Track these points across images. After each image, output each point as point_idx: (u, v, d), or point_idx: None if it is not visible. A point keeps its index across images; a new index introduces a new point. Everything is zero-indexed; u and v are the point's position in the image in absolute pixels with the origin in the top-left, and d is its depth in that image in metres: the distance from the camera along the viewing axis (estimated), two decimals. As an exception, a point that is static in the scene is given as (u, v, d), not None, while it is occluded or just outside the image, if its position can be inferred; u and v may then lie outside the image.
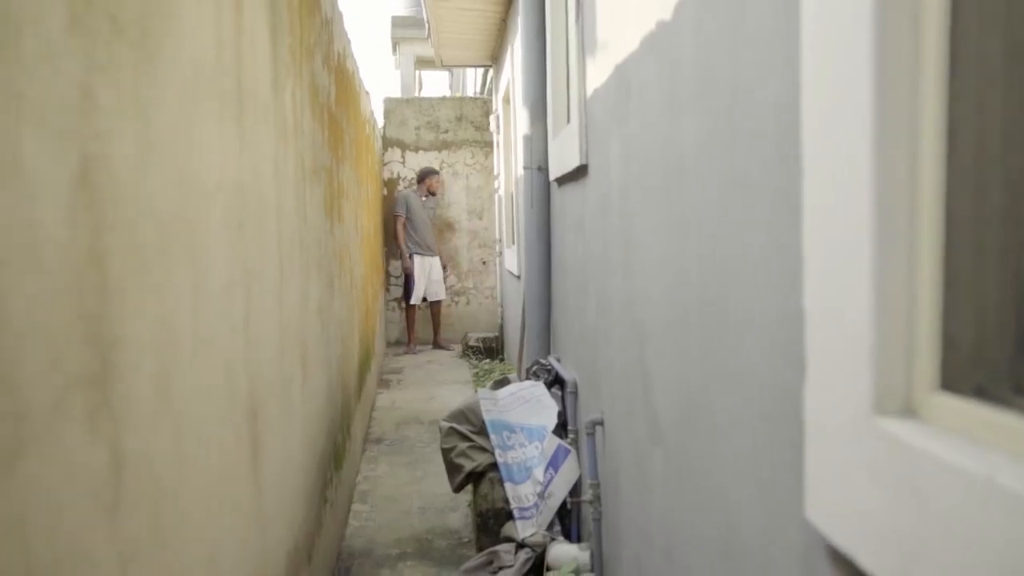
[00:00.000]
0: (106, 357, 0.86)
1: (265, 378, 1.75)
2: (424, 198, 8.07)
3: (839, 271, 0.89)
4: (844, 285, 0.87)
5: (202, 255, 1.25)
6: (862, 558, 0.86)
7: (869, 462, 0.83)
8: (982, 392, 0.79)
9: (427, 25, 6.68)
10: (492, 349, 7.90)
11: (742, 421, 1.27)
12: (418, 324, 8.39)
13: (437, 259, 8.18)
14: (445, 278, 8.43)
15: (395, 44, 14.71)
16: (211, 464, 1.28)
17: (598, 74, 2.41)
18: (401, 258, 8.06)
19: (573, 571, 2.77)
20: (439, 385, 6.58)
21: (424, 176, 8.13)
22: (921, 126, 0.80)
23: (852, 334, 0.86)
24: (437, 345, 8.38)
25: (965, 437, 0.76)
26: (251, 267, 1.62)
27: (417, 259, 7.97)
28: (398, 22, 14.52)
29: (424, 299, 8.11)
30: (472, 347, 7.93)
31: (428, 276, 8.05)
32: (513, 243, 6.29)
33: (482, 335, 8.10)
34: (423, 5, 6.20)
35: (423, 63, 14.26)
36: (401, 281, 8.36)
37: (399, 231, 7.95)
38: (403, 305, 8.39)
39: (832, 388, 0.91)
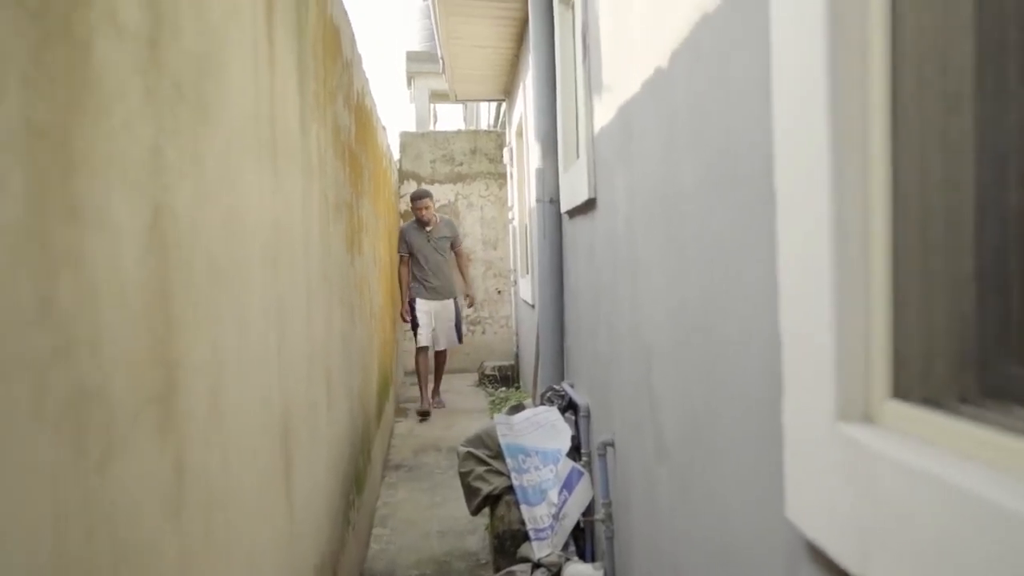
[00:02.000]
0: (170, 378, 0.99)
1: (296, 402, 1.88)
2: (428, 229, 6.85)
3: (807, 300, 1.01)
4: (811, 312, 1.00)
5: (244, 288, 1.39)
6: (831, 549, 0.97)
7: (834, 463, 0.96)
8: (930, 401, 0.91)
9: (441, 61, 6.88)
10: (508, 377, 8.02)
11: (737, 436, 1.38)
12: (428, 373, 7.07)
13: (451, 302, 6.97)
14: (464, 318, 7.25)
15: (410, 78, 15.00)
16: (252, 479, 1.41)
17: (604, 113, 2.55)
18: (401, 300, 6.94)
19: (587, 589, 2.86)
20: (456, 413, 6.69)
21: (413, 200, 6.88)
22: (871, 176, 0.93)
23: (818, 353, 0.99)
24: (432, 396, 7.02)
25: (914, 439, 0.88)
26: (283, 299, 1.76)
27: (421, 304, 6.81)
28: (413, 57, 14.83)
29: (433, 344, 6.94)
30: (488, 375, 8.05)
31: (435, 320, 6.87)
32: (527, 273, 6.42)
33: (498, 363, 8.22)
34: (438, 43, 6.40)
35: (438, 96, 14.54)
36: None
37: (401, 273, 6.89)
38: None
39: (803, 400, 1.03)
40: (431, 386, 7.05)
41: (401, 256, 6.90)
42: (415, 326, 6.87)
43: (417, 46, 15.41)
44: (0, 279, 0.61)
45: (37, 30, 0.68)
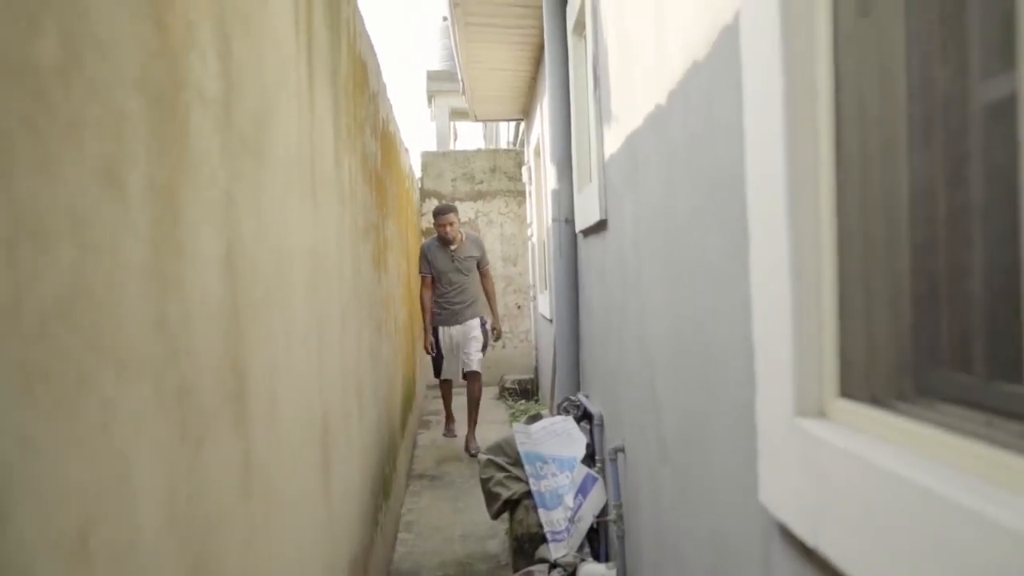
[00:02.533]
0: (241, 383, 1.20)
1: (332, 411, 2.08)
2: (453, 248, 6.15)
3: (772, 315, 1.20)
4: (775, 325, 1.19)
5: (291, 308, 1.60)
6: (794, 527, 1.16)
7: (793, 452, 1.14)
8: (873, 399, 1.09)
9: (462, 83, 7.12)
10: (527, 391, 8.20)
11: (725, 434, 1.57)
12: (455, 399, 6.62)
13: (471, 324, 6.22)
14: (487, 344, 6.39)
15: (430, 97, 15.29)
16: (299, 474, 1.61)
17: (613, 141, 2.75)
18: (424, 328, 6.20)
19: (601, 587, 3.04)
20: (478, 425, 6.87)
21: (435, 216, 6.14)
22: (820, 214, 1.12)
23: (781, 359, 1.17)
24: (467, 445, 6.06)
25: (857, 431, 1.06)
26: (322, 318, 1.97)
27: (443, 333, 6.19)
28: (433, 76, 15.12)
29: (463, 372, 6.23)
30: (508, 389, 8.25)
31: (463, 343, 6.17)
32: (546, 289, 6.62)
33: (518, 377, 8.41)
34: (458, 66, 6.63)
35: (457, 114, 14.81)
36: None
37: (423, 298, 6.14)
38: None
39: (770, 398, 1.22)
40: (467, 423, 6.21)
41: (423, 277, 6.13)
42: (438, 359, 6.22)
43: (437, 65, 15.71)
44: (132, 303, 0.81)
45: (155, 112, 0.89)
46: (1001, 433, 0.81)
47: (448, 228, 6.03)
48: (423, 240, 6.43)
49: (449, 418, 6.57)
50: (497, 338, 6.43)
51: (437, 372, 6.37)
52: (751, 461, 1.37)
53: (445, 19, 12.41)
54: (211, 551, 1.03)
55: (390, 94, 4.65)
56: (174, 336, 0.92)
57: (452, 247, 6.12)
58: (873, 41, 1.07)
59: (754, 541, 1.40)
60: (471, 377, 6.16)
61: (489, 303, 6.42)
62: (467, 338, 6.18)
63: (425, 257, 6.13)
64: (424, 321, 6.19)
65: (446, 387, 6.46)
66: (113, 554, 0.75)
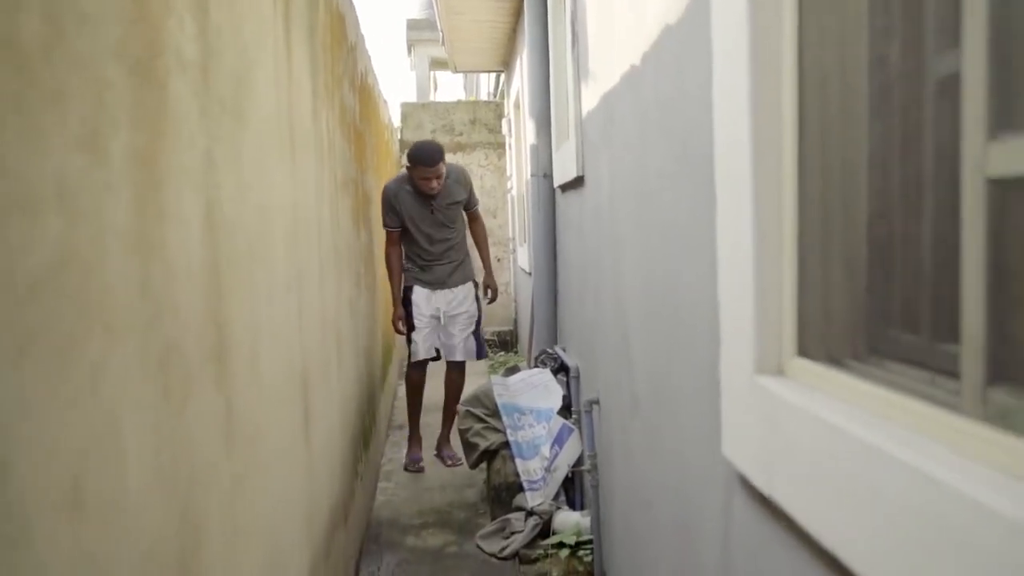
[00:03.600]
0: (222, 337, 1.23)
1: (312, 362, 2.13)
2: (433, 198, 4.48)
3: (736, 276, 1.25)
4: (739, 286, 1.24)
5: (272, 262, 1.63)
6: (751, 476, 1.22)
7: (752, 407, 1.20)
8: (830, 358, 1.15)
9: (441, 34, 7.05)
10: (506, 342, 8.29)
11: (692, 391, 1.63)
12: (423, 397, 4.76)
13: (467, 289, 4.67)
14: (481, 319, 4.75)
15: (410, 46, 15.10)
16: (281, 424, 1.66)
17: (590, 98, 2.77)
18: (393, 299, 4.60)
19: (575, 534, 3.14)
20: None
21: (413, 164, 4.33)
22: (783, 181, 1.16)
23: (743, 319, 1.22)
24: (439, 449, 4.71)
25: (814, 389, 1.12)
26: (301, 271, 2.00)
27: (419, 295, 4.54)
28: (413, 25, 14.91)
29: (436, 355, 4.63)
30: (487, 341, 8.31)
31: (440, 319, 4.57)
32: (525, 242, 6.66)
33: (497, 329, 8.48)
34: (438, 17, 6.57)
35: (438, 64, 14.65)
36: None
37: (390, 259, 4.56)
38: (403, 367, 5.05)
39: (733, 356, 1.28)
40: (442, 422, 4.77)
41: (389, 231, 4.53)
42: (410, 330, 4.55)
43: (417, 14, 15.49)
44: (117, 267, 0.85)
45: (135, 79, 0.91)
46: (940, 391, 0.87)
47: (434, 182, 4.34)
48: (387, 183, 4.64)
49: (414, 439, 4.69)
50: (493, 298, 4.83)
51: (410, 351, 4.61)
52: (715, 416, 1.43)
53: (425, -34, 12.23)
54: (196, 502, 1.08)
55: (369, 43, 4.60)
56: (158, 297, 0.95)
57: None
58: (836, 13, 1.11)
59: (717, 491, 1.46)
60: (454, 367, 4.67)
61: (480, 253, 4.79)
62: (455, 311, 4.61)
63: (391, 206, 4.47)
64: (392, 288, 4.59)
65: (415, 379, 4.69)
66: (103, 505, 0.79)
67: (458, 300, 4.62)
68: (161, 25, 0.99)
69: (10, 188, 0.63)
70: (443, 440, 4.73)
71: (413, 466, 4.52)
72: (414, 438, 4.68)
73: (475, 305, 4.70)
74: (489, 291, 4.81)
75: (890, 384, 0.96)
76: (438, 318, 4.57)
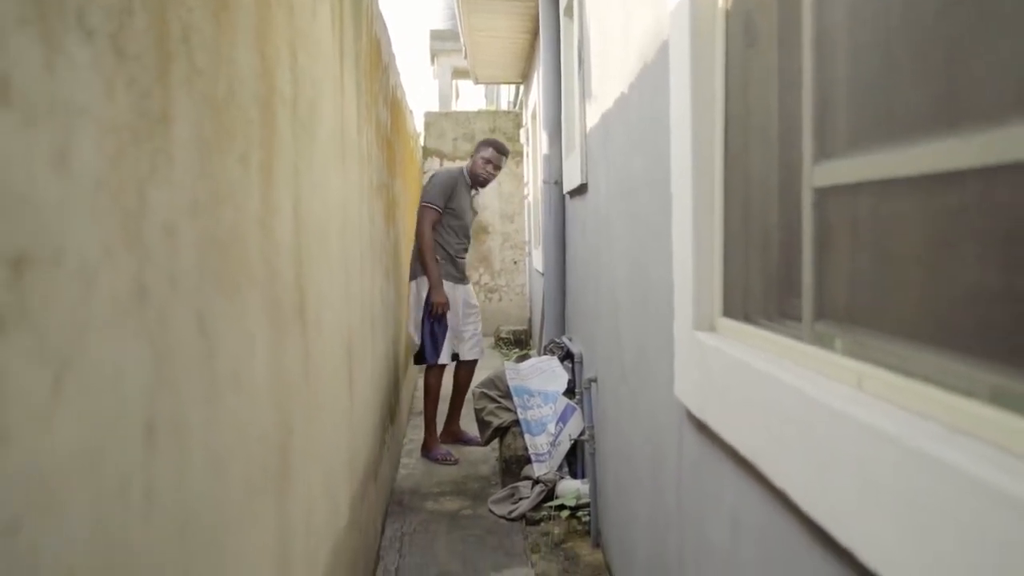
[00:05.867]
0: (303, 298, 1.67)
1: (355, 334, 2.57)
2: (474, 192, 4.84)
3: (682, 258, 1.68)
4: (684, 268, 1.67)
5: (329, 248, 2.07)
6: (691, 406, 1.64)
7: (693, 356, 1.63)
8: (747, 317, 1.57)
9: (464, 49, 7.51)
10: (521, 340, 8.71)
11: (657, 351, 2.05)
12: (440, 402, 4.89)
13: (470, 288, 4.94)
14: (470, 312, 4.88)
15: (433, 55, 15.59)
16: (333, 377, 2.10)
17: (593, 116, 3.20)
18: (430, 287, 4.57)
19: (575, 498, 3.57)
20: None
21: (486, 148, 4.75)
22: (714, 188, 1.59)
23: (687, 291, 1.65)
24: (450, 432, 5.01)
25: (735, 340, 1.54)
26: (348, 257, 2.44)
27: (449, 288, 4.69)
28: (436, 35, 15.40)
29: (454, 357, 4.81)
30: (503, 339, 8.76)
31: (457, 316, 4.75)
32: (539, 244, 7.09)
33: (512, 328, 8.91)
34: (461, 32, 7.03)
35: (460, 73, 15.12)
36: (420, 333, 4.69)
37: (424, 233, 4.57)
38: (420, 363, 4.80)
39: (680, 318, 1.70)
40: (448, 413, 5.07)
41: (434, 209, 4.60)
42: (435, 332, 4.64)
43: (440, 24, 15.99)
44: (255, 242, 1.28)
45: (262, 114, 1.35)
46: (794, 330, 1.29)
47: (495, 172, 4.78)
48: (441, 167, 4.73)
49: (431, 430, 4.75)
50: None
51: (421, 353, 4.66)
52: (672, 367, 1.86)
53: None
54: (291, 420, 1.52)
55: (395, 49, 5.03)
56: (271, 264, 1.39)
57: (476, 190, 4.86)
58: (754, 64, 1.53)
59: (673, 427, 1.89)
60: (465, 363, 4.87)
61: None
62: (470, 308, 4.86)
63: (449, 189, 4.63)
64: (428, 266, 4.54)
65: (437, 385, 4.74)
66: (243, 390, 1.23)
67: (471, 298, 4.89)
68: (274, 74, 1.44)
69: (216, 187, 1.08)
70: (451, 421, 5.01)
71: (445, 458, 4.60)
72: (431, 431, 4.74)
73: (475, 303, 4.93)
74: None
75: (776, 330, 1.39)
76: (456, 315, 4.72)
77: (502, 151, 4.74)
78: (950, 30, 0.86)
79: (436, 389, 4.74)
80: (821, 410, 1.03)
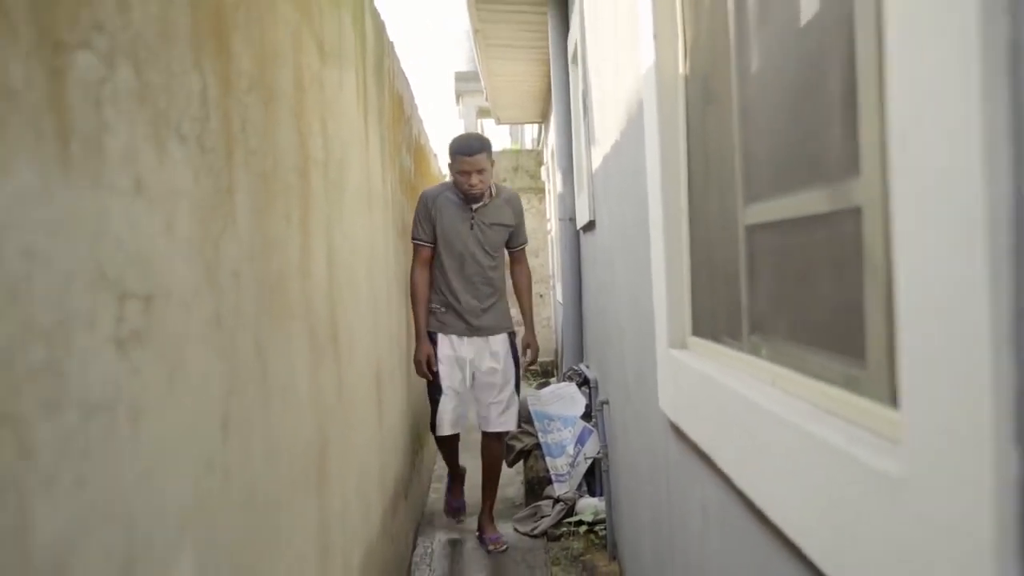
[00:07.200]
0: (335, 330, 1.97)
1: (384, 365, 2.86)
2: (476, 206, 3.79)
3: (659, 287, 1.95)
4: (660, 295, 1.94)
5: (358, 287, 2.37)
6: (669, 414, 1.91)
7: (669, 371, 1.89)
8: (715, 336, 1.84)
9: (485, 91, 7.87)
10: (548, 372, 8.96)
11: (650, 373, 2.31)
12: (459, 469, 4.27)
13: (503, 340, 3.89)
14: (523, 369, 4.02)
15: (458, 96, 16.04)
16: (364, 402, 2.39)
17: (597, 158, 3.50)
18: (418, 332, 3.77)
19: (593, 513, 3.81)
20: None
21: (454, 155, 3.70)
22: (681, 229, 1.86)
23: (663, 314, 1.92)
24: (481, 531, 3.97)
25: (703, 357, 1.81)
26: (376, 295, 2.74)
27: (443, 343, 3.80)
28: (460, 77, 15.85)
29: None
30: (530, 370, 9.02)
31: (464, 378, 3.83)
32: (560, 278, 7.38)
33: (540, 359, 9.17)
34: (481, 76, 7.39)
35: (484, 113, 15.52)
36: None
37: (416, 282, 3.76)
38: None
39: (660, 338, 1.97)
40: (482, 501, 4.05)
41: (418, 246, 3.77)
42: (435, 390, 3.78)
43: (464, 66, 16.47)
44: (295, 284, 1.58)
45: (299, 178, 1.66)
46: (738, 343, 1.55)
47: (475, 177, 3.67)
48: (425, 189, 3.89)
49: (456, 479, 4.23)
50: (533, 359, 4.01)
51: (433, 419, 3.80)
52: (656, 383, 2.12)
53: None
54: (327, 430, 1.80)
55: (420, 92, 5.40)
56: (308, 301, 1.69)
57: (475, 204, 3.78)
58: (713, 119, 1.81)
59: (661, 435, 2.15)
60: (492, 435, 3.95)
61: (520, 303, 4.07)
62: (486, 375, 3.84)
63: (427, 212, 3.75)
64: (416, 318, 3.76)
65: (444, 451, 4.07)
66: (289, 405, 1.51)
67: (491, 356, 3.81)
68: (308, 144, 1.75)
69: (266, 240, 1.37)
70: (485, 520, 3.97)
71: (454, 513, 4.19)
72: (456, 479, 4.22)
73: (512, 365, 3.88)
74: (529, 351, 4.00)
75: (730, 344, 1.66)
76: (463, 378, 3.78)
77: (460, 151, 3.63)
78: (809, 105, 1.13)
79: (449, 461, 4.14)
80: (750, 407, 1.30)
